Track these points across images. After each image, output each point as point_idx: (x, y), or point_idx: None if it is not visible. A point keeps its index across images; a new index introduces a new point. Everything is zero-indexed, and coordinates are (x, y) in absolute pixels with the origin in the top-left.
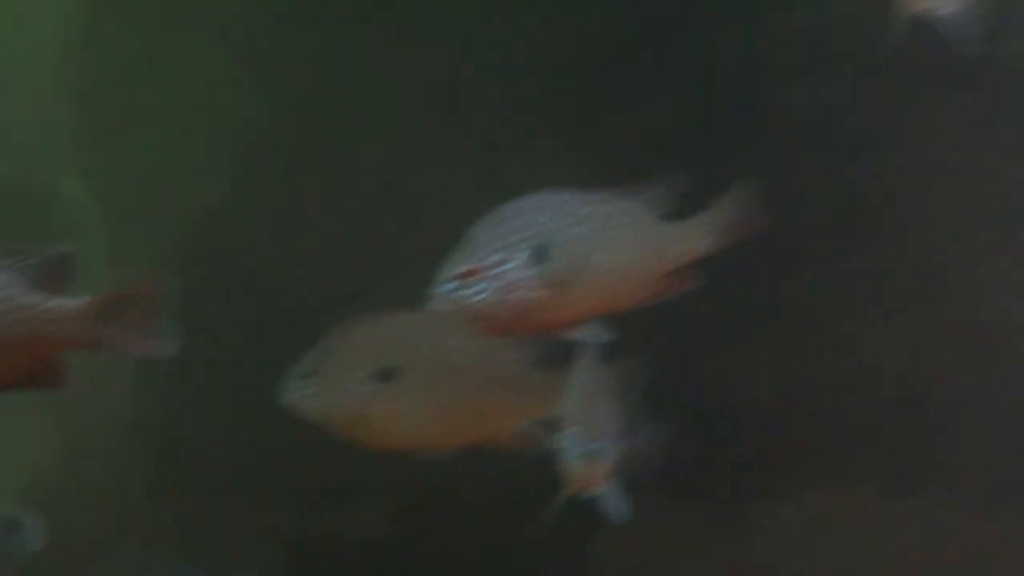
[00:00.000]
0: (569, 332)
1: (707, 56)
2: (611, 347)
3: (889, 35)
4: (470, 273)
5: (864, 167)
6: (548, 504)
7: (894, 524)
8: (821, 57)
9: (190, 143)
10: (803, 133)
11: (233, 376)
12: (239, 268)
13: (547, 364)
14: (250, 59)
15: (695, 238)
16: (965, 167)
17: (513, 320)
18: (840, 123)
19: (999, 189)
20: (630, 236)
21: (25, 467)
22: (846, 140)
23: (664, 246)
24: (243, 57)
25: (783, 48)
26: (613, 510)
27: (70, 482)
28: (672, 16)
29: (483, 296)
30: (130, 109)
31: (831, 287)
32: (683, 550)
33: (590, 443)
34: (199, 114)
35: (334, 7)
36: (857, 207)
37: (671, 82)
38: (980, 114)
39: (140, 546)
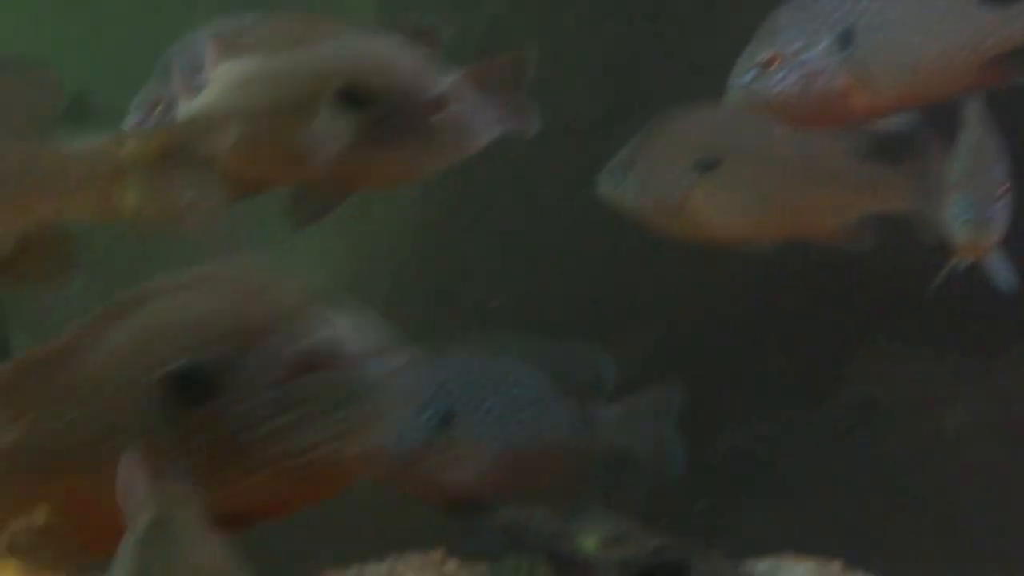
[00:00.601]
0: (880, 122)
1: None
2: None
3: None
4: (771, 61)
5: None
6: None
7: None
8: None
9: None
10: None
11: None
12: None
13: (878, 156)
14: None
15: (1018, 24)
16: None
17: (817, 111)
18: None
19: None
20: (945, 21)
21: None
22: None
23: (983, 32)
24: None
25: None
26: (1002, 279)
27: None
28: None
29: (785, 85)
30: None
31: None
32: None
33: (980, 208)
34: None
35: None
36: None
37: None
38: None
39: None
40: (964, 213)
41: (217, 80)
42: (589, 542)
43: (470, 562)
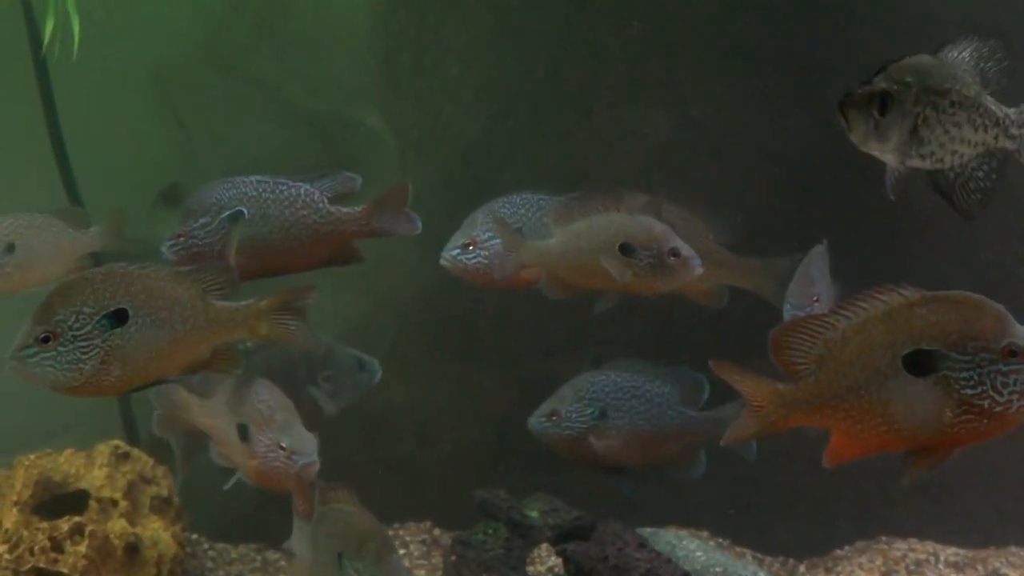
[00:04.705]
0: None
1: None
2: None
3: None
4: (469, 244)
5: None
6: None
7: None
8: None
9: (459, 92)
10: None
11: None
12: (496, 185)
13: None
14: (502, 31)
15: None
16: None
17: (498, 278)
18: None
19: None
20: None
21: (336, 325)
22: None
23: None
24: (502, 26)
25: None
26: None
27: (368, 337)
28: None
29: (477, 261)
30: (418, 64)
31: None
32: None
33: (798, 308)
34: (465, 70)
35: None
36: None
37: None
38: None
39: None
40: (790, 308)
41: (559, 232)
42: (533, 512)
43: (450, 529)
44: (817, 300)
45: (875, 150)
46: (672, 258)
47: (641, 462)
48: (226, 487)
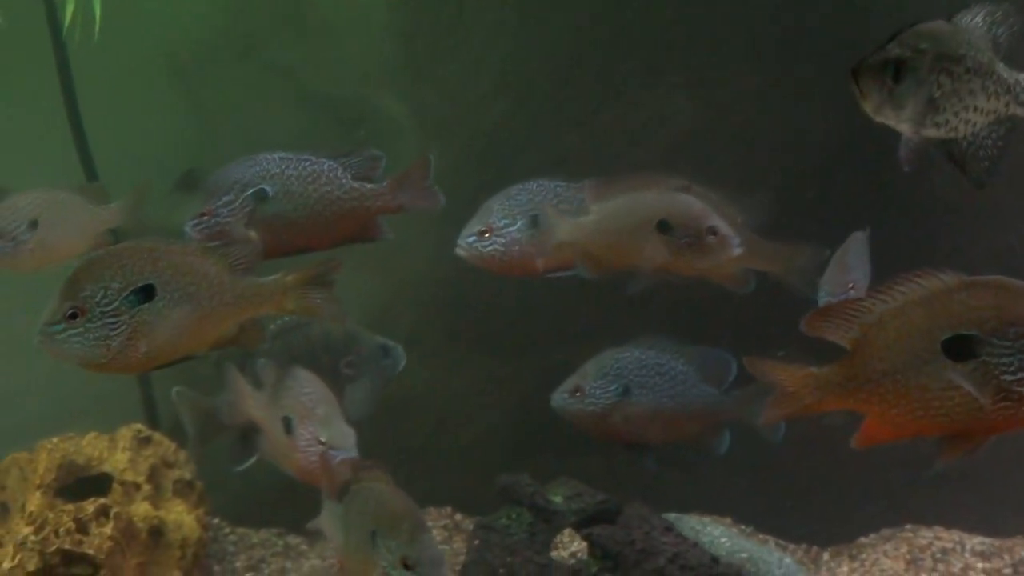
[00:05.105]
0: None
1: None
2: None
3: None
4: (485, 231)
5: None
6: None
7: None
8: None
9: (479, 76)
10: None
11: None
12: (517, 170)
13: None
14: (523, 15)
15: None
16: None
17: (512, 266)
18: None
19: None
20: None
21: (354, 310)
22: None
23: None
24: (523, 10)
25: None
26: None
27: (386, 323)
28: None
29: (493, 248)
30: (437, 50)
31: None
32: None
33: (831, 295)
34: (486, 54)
35: None
36: None
37: None
38: None
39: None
40: (824, 296)
41: (596, 209)
42: (557, 497)
43: (471, 515)
44: (852, 288)
45: (890, 119)
46: (711, 236)
47: (663, 440)
48: (238, 469)
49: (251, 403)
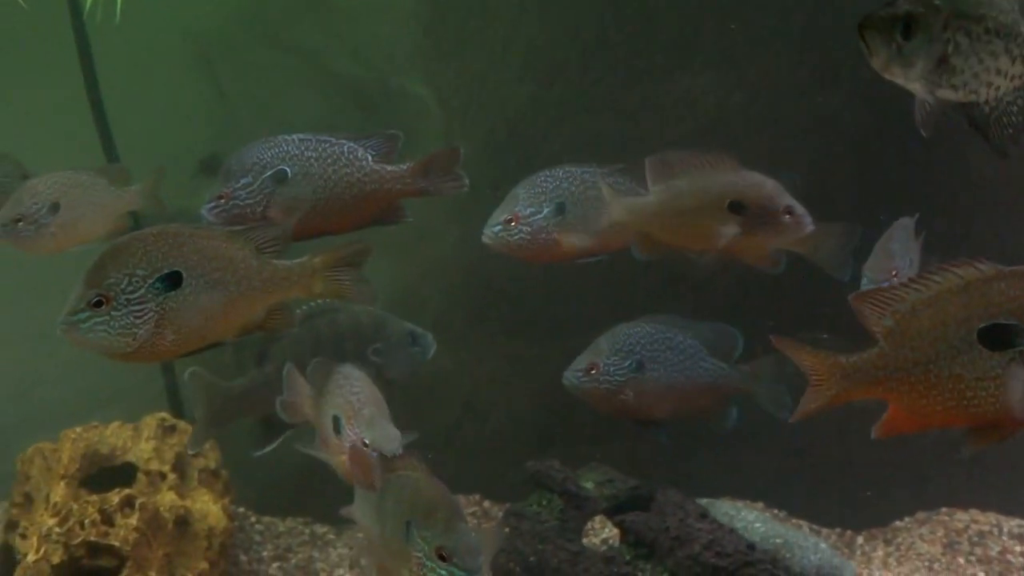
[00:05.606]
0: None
1: None
2: None
3: None
4: (512, 219)
5: None
6: None
7: None
8: None
9: (505, 60)
10: None
11: None
12: (543, 153)
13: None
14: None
15: None
16: None
17: (539, 254)
18: None
19: None
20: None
21: (383, 296)
22: None
23: None
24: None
25: None
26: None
27: (413, 309)
28: None
29: (519, 237)
30: (461, 33)
31: None
32: None
33: (874, 280)
34: (511, 37)
35: None
36: None
37: None
38: None
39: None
40: (866, 282)
41: (658, 190)
42: (588, 484)
43: (500, 502)
44: (896, 274)
45: (898, 77)
46: (786, 216)
47: (674, 414)
48: (257, 454)
49: (309, 404)
